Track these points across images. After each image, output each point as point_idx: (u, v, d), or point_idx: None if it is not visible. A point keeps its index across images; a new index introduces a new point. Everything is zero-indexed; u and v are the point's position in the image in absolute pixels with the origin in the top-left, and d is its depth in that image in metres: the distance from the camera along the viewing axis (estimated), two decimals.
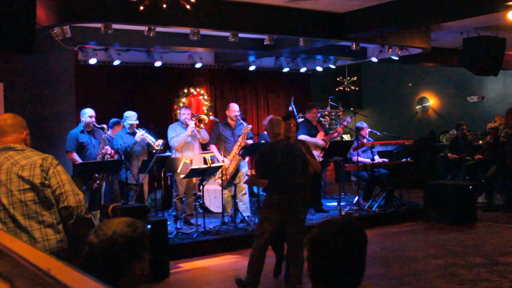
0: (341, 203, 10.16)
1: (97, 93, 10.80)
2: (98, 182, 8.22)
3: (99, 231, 2.44)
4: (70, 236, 3.63)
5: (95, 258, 2.42)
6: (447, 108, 15.43)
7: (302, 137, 9.42)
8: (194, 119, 9.13)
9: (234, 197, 9.16)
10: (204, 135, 9.33)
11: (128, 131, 9.02)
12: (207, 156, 10.20)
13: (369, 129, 11.03)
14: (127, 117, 9.05)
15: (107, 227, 2.47)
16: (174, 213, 9.34)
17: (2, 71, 8.33)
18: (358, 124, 11.02)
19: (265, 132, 9.94)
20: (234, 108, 9.59)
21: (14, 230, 3.45)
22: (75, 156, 8.19)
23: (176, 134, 9.13)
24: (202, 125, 9.09)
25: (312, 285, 2.26)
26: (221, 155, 9.43)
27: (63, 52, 8.71)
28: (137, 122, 9.06)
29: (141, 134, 8.83)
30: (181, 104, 11.58)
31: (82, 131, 8.34)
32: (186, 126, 9.13)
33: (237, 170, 9.45)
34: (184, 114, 9.24)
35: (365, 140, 10.78)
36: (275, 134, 6.08)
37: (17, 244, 1.96)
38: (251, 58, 11.89)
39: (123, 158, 8.73)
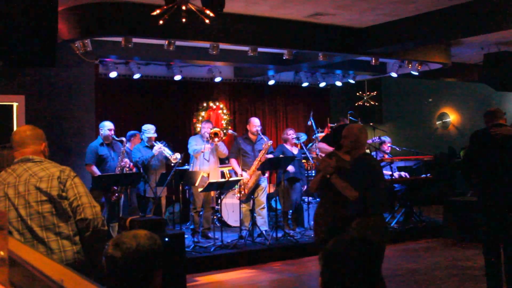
0: None
1: (117, 106, 10.89)
2: (116, 194, 8.26)
3: (122, 245, 2.44)
4: (86, 248, 3.64)
5: (118, 272, 2.43)
6: (468, 124, 15.30)
7: (321, 144, 9.40)
8: (209, 133, 9.13)
9: (252, 211, 9.15)
10: (223, 150, 9.33)
11: (147, 144, 9.05)
12: (225, 170, 10.21)
13: (391, 146, 10.93)
14: (145, 130, 9.08)
15: (129, 240, 2.47)
16: (192, 227, 9.34)
17: (24, 84, 8.44)
18: (381, 138, 10.97)
19: (284, 144, 9.93)
20: (255, 123, 9.56)
21: (31, 241, 3.47)
22: (94, 168, 8.25)
23: (195, 144, 9.22)
24: (217, 139, 9.08)
25: None
26: (240, 169, 9.41)
27: (84, 66, 8.82)
28: (155, 135, 9.07)
29: (158, 147, 8.85)
30: (200, 118, 11.63)
31: (102, 144, 8.39)
32: (206, 139, 9.16)
33: (256, 185, 9.42)
34: (204, 127, 9.28)
35: (386, 156, 10.68)
36: (364, 145, 5.27)
37: (32, 255, 1.96)
38: (270, 73, 11.92)
39: (141, 171, 8.75)
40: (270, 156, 9.36)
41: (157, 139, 9.12)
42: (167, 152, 8.88)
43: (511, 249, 5.86)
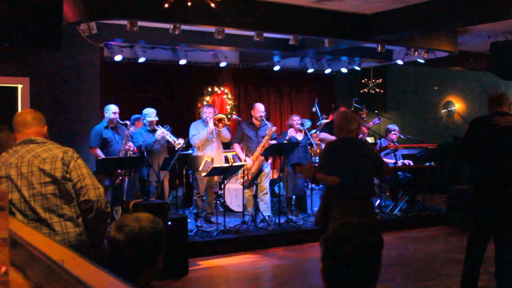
0: None
1: (121, 90, 10.89)
2: (120, 178, 8.28)
3: (124, 228, 2.45)
4: (89, 230, 3.65)
5: (120, 254, 2.44)
6: (473, 113, 15.21)
7: (323, 135, 9.38)
8: (213, 119, 9.09)
9: (255, 196, 9.17)
10: (225, 134, 9.32)
11: (148, 128, 9.02)
12: (229, 155, 10.21)
13: (398, 134, 10.87)
14: (146, 114, 9.03)
15: (131, 223, 2.48)
16: (194, 211, 9.37)
17: (29, 66, 8.45)
18: (389, 126, 10.95)
19: (288, 131, 9.91)
20: (260, 109, 9.55)
21: (35, 223, 3.48)
22: (99, 151, 8.27)
23: (197, 132, 9.14)
24: (221, 125, 9.06)
25: (326, 285, 2.25)
26: (244, 154, 9.41)
27: (89, 49, 8.81)
28: (156, 119, 9.03)
29: (161, 132, 8.82)
30: (205, 103, 11.62)
31: (106, 127, 8.41)
32: (208, 124, 9.14)
33: (259, 171, 9.43)
34: (206, 112, 9.25)
35: (393, 144, 10.61)
36: (350, 130, 5.33)
37: (33, 236, 1.97)
38: (276, 58, 11.89)
39: (145, 155, 8.76)
40: (274, 142, 9.36)
41: (161, 123, 9.11)
42: (170, 136, 8.86)
43: (504, 247, 5.48)
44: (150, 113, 9.02)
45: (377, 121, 10.77)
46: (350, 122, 5.33)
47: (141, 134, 8.93)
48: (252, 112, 9.73)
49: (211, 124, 9.00)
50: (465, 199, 9.40)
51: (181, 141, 8.70)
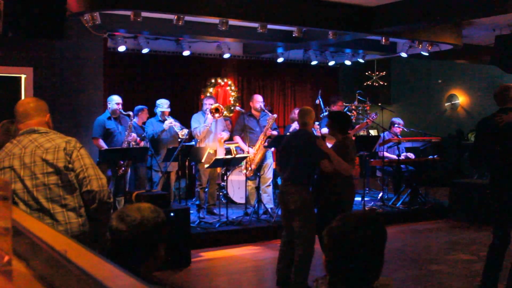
0: (365, 198, 10.11)
1: (125, 81, 10.87)
2: (123, 168, 8.29)
3: (126, 218, 2.46)
4: (91, 220, 3.66)
5: (122, 244, 2.45)
6: (477, 107, 15.21)
7: (324, 130, 9.38)
8: (210, 109, 9.07)
9: (258, 188, 9.17)
10: (220, 127, 9.36)
11: (160, 118, 9.07)
12: (232, 146, 10.21)
13: (402, 128, 10.84)
14: (159, 104, 9.10)
15: (133, 213, 2.48)
16: (197, 203, 9.38)
17: (32, 56, 8.45)
18: (394, 119, 10.93)
19: (291, 125, 9.92)
20: (258, 99, 9.58)
21: (37, 213, 3.49)
22: (101, 142, 8.28)
23: (198, 125, 9.15)
24: (217, 114, 9.03)
25: (329, 277, 2.26)
26: (247, 145, 9.41)
27: (92, 39, 8.80)
28: (168, 109, 9.10)
29: (169, 122, 8.86)
30: (208, 94, 11.61)
31: (109, 118, 8.42)
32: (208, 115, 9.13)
33: (263, 160, 9.43)
34: (206, 104, 9.26)
35: (396, 137, 10.59)
36: (305, 123, 6.12)
37: (36, 225, 1.98)
38: (280, 50, 11.86)
39: (148, 145, 8.77)
40: (275, 132, 9.37)
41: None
42: (177, 127, 8.89)
43: None
44: (163, 104, 9.09)
45: (374, 116, 10.74)
46: (303, 116, 6.08)
47: (151, 124, 9.02)
48: (250, 103, 9.74)
49: (209, 117, 8.99)
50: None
51: (185, 131, 8.74)
